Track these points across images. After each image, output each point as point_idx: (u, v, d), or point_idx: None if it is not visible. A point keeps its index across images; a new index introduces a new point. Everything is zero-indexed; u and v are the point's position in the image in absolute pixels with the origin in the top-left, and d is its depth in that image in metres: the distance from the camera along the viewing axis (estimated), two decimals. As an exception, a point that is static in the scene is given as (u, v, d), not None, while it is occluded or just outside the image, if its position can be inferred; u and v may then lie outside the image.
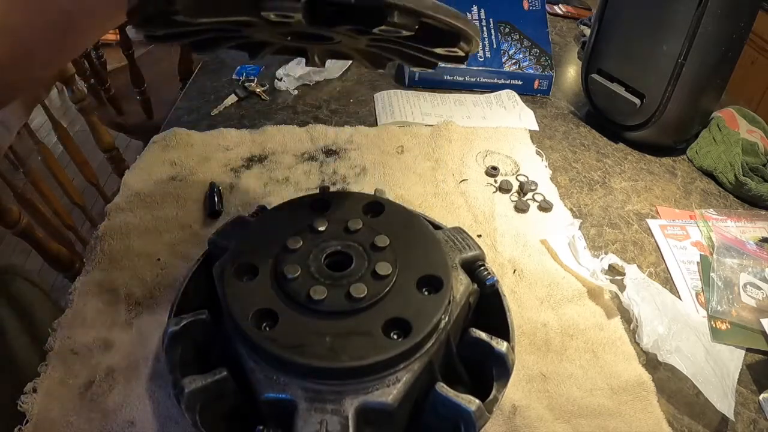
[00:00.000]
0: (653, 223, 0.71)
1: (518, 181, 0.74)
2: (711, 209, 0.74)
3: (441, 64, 0.95)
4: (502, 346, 0.42)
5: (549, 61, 0.98)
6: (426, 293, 0.41)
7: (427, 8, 0.29)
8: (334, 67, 0.99)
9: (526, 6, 1.01)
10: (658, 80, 0.78)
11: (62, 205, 1.06)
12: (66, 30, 0.33)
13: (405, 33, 0.30)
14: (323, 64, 0.38)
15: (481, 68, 0.97)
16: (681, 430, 0.48)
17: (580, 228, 0.67)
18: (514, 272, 0.60)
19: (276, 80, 0.95)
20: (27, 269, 0.76)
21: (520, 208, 0.70)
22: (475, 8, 0.99)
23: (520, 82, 0.98)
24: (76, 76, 1.03)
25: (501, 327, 0.45)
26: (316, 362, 0.35)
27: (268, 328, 0.38)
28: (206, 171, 0.72)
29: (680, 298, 0.61)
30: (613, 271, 0.63)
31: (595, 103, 0.90)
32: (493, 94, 0.97)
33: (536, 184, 0.73)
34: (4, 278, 0.72)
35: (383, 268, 0.41)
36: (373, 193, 0.53)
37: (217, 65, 1.01)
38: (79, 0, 0.32)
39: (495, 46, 0.98)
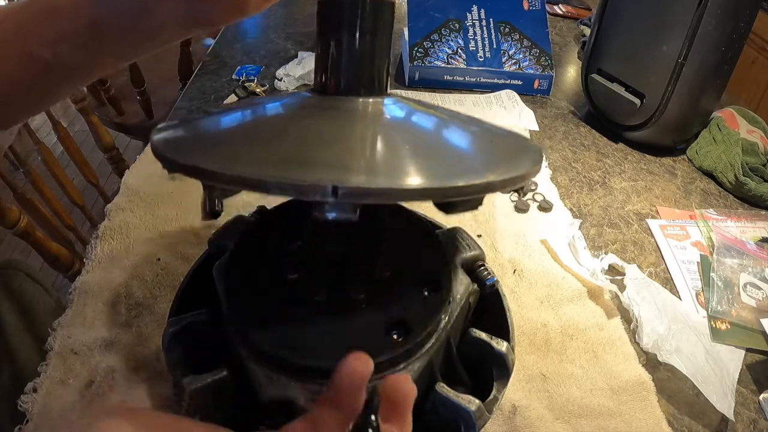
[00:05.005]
0: (653, 223, 0.71)
1: (518, 181, 0.74)
2: (711, 209, 0.74)
3: (441, 64, 0.96)
4: (502, 346, 0.42)
5: (549, 61, 0.98)
6: (426, 293, 0.41)
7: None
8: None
9: (526, 6, 1.01)
10: (658, 80, 0.78)
11: (62, 205, 1.06)
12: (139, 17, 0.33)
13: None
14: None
15: (481, 68, 0.97)
16: (681, 430, 0.48)
17: (580, 228, 0.67)
18: (514, 272, 0.60)
19: (276, 80, 0.95)
20: (28, 264, 0.76)
21: (520, 208, 0.70)
22: (475, 8, 0.99)
23: (520, 82, 0.98)
24: (76, 76, 1.03)
25: (501, 327, 0.45)
26: (316, 362, 0.35)
27: (268, 329, 0.38)
28: (206, 171, 0.71)
29: (680, 298, 0.61)
30: (613, 271, 0.63)
31: (595, 103, 0.90)
32: (493, 94, 0.97)
33: (536, 184, 0.73)
34: (6, 273, 0.72)
35: (383, 268, 0.41)
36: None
37: (217, 65, 1.01)
38: None
39: (495, 46, 0.98)
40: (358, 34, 0.34)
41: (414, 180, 0.27)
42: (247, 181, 0.26)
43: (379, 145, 0.31)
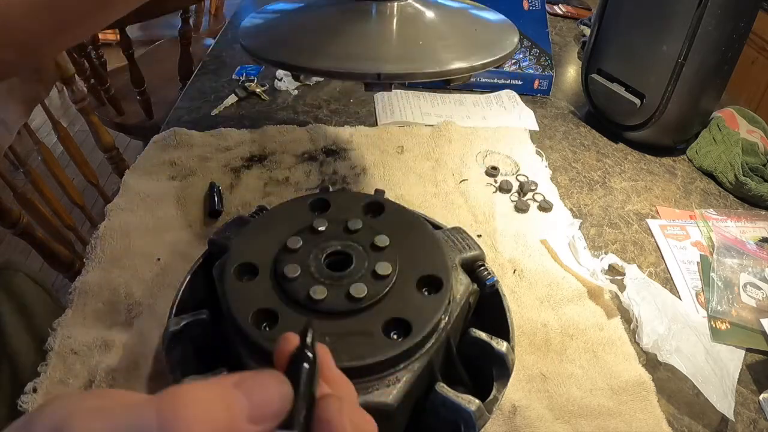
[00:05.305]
0: (653, 223, 0.71)
1: (518, 181, 0.74)
2: (711, 209, 0.74)
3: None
4: (502, 346, 0.42)
5: (549, 61, 0.98)
6: (426, 293, 0.41)
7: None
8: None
9: (526, 6, 1.01)
10: (658, 80, 0.78)
11: (62, 205, 1.06)
12: None
13: None
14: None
15: (481, 68, 0.97)
16: (681, 430, 0.48)
17: (580, 228, 0.67)
18: (514, 272, 0.60)
19: (276, 80, 0.95)
20: (28, 264, 0.76)
21: (520, 208, 0.70)
22: (475, 8, 0.99)
23: (520, 82, 0.98)
24: (76, 76, 1.03)
25: (501, 327, 0.45)
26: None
27: (268, 328, 0.38)
28: (206, 171, 0.72)
29: (680, 298, 0.61)
30: (613, 271, 0.63)
31: (595, 103, 0.90)
32: (493, 94, 0.97)
33: (536, 184, 0.73)
34: (6, 273, 0.72)
35: (383, 268, 0.41)
36: (373, 193, 0.53)
37: (217, 65, 1.01)
38: None
39: (495, 46, 0.98)
40: None
41: (425, 67, 0.43)
42: (323, 73, 0.45)
43: (405, 41, 0.46)
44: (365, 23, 0.48)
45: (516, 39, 0.50)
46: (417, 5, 0.50)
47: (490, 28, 0.53)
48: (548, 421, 0.46)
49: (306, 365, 0.22)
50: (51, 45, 0.41)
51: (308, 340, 0.23)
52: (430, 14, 0.50)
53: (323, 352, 0.25)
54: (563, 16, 1.36)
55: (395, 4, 0.49)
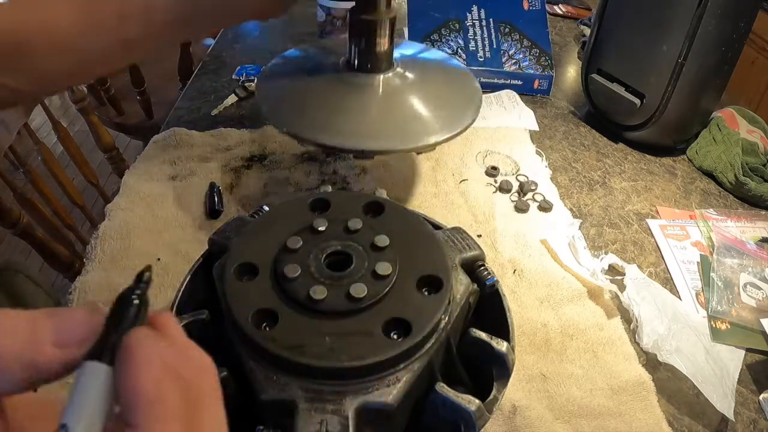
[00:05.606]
0: (653, 223, 0.71)
1: (518, 181, 0.74)
2: (711, 209, 0.74)
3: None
4: (502, 346, 0.42)
5: (549, 61, 0.98)
6: (426, 293, 0.41)
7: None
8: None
9: (526, 6, 1.01)
10: (658, 80, 0.78)
11: (62, 205, 1.06)
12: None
13: None
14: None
15: (481, 68, 0.97)
16: (681, 430, 0.48)
17: (580, 228, 0.67)
18: (514, 272, 0.61)
19: (276, 80, 0.95)
20: (28, 265, 0.76)
21: (520, 208, 0.70)
22: (475, 8, 0.99)
23: (520, 82, 0.98)
24: (76, 76, 1.03)
25: (501, 327, 0.45)
26: (316, 362, 0.35)
27: (268, 328, 0.38)
28: (206, 171, 0.72)
29: (680, 298, 0.61)
30: (613, 271, 0.63)
31: (595, 103, 0.90)
32: (493, 94, 0.97)
33: (536, 184, 0.73)
34: (6, 274, 0.72)
35: (383, 268, 0.41)
36: (373, 193, 0.53)
37: (217, 65, 1.01)
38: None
39: (495, 46, 0.98)
40: (376, 41, 0.56)
41: (399, 145, 0.54)
42: (319, 145, 0.54)
43: (386, 116, 0.56)
44: (356, 98, 0.57)
45: (479, 101, 0.61)
46: (402, 73, 0.59)
47: (460, 90, 0.63)
48: (548, 421, 0.46)
49: (130, 304, 0.24)
50: (68, 81, 0.43)
51: (141, 284, 0.25)
52: (411, 84, 0.59)
53: (167, 317, 0.26)
54: (563, 16, 1.36)
55: (381, 76, 0.57)
